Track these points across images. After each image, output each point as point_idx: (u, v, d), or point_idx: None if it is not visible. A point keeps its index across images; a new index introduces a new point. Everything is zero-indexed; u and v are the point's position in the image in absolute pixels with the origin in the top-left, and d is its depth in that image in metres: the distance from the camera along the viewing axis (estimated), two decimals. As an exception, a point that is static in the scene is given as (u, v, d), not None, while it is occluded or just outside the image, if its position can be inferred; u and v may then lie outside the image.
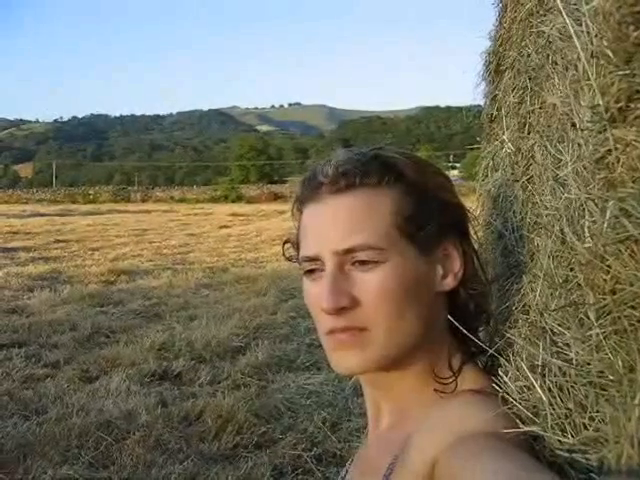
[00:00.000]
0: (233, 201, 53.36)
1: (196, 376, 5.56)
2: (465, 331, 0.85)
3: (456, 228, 0.90)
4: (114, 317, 7.88)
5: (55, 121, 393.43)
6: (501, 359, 0.83)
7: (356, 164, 0.87)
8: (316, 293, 0.87)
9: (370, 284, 0.83)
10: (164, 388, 5.27)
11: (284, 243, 0.99)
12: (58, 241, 17.36)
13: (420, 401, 0.87)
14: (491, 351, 0.83)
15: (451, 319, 0.87)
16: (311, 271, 0.89)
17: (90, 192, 62.35)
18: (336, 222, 0.86)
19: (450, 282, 0.88)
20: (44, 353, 6.28)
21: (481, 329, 0.96)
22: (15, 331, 7.08)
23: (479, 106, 1.48)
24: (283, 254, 1.00)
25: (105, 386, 5.24)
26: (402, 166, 0.87)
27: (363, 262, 0.84)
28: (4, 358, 6.07)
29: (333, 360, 0.88)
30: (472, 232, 0.96)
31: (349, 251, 0.84)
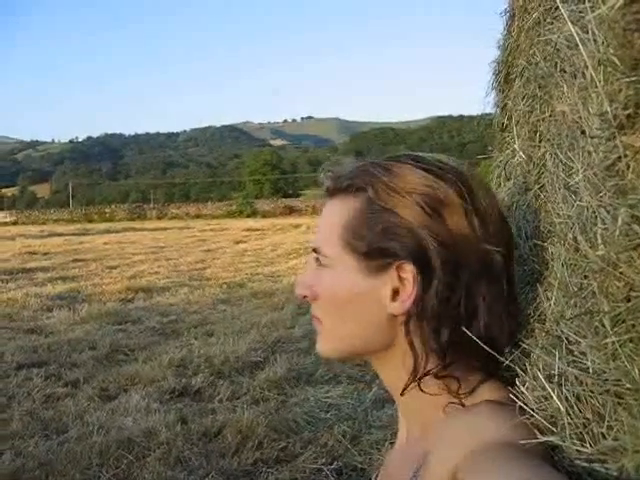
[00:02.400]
0: (248, 216, 53.54)
1: (215, 392, 5.56)
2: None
3: (415, 255, 0.82)
4: (132, 335, 7.91)
5: (71, 141, 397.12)
6: (518, 369, 0.83)
7: (338, 172, 0.92)
8: None
9: (321, 283, 0.91)
10: (184, 405, 5.28)
11: None
12: (76, 260, 17.47)
13: (437, 414, 0.87)
14: (507, 362, 0.83)
15: (466, 332, 0.85)
16: None
17: (106, 211, 62.80)
18: (319, 222, 0.95)
19: (397, 307, 0.84)
20: (64, 372, 6.31)
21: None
22: (35, 351, 7.12)
23: (491, 114, 1.48)
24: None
25: (125, 404, 5.25)
26: (365, 180, 0.86)
27: (318, 263, 0.92)
28: (25, 378, 6.10)
29: None
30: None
31: (314, 250, 0.93)
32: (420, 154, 0.89)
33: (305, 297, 0.94)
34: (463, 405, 0.85)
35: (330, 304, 0.90)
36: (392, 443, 1.04)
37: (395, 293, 0.84)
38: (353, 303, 0.87)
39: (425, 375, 0.84)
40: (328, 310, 0.90)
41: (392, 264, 0.84)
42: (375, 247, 0.84)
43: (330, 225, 0.90)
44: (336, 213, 0.90)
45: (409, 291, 0.83)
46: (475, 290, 0.82)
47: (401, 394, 0.88)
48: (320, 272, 0.91)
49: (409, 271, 0.83)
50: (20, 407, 5.28)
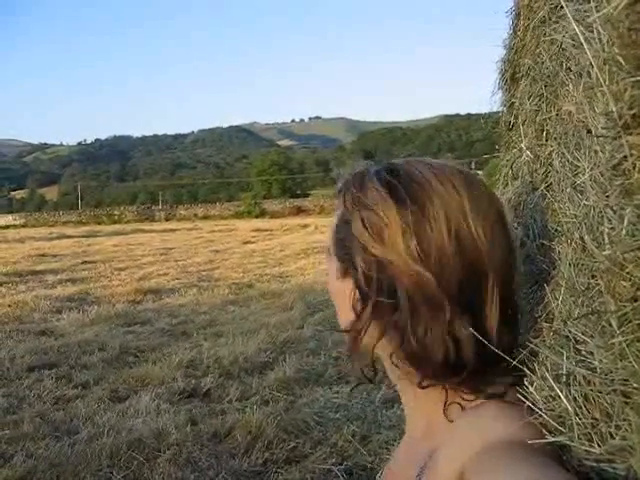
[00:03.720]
0: (256, 216, 53.55)
1: (225, 393, 5.57)
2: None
3: (354, 268, 0.85)
4: (142, 336, 7.93)
5: (79, 144, 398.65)
6: (526, 369, 0.83)
7: (341, 174, 0.94)
8: None
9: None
10: (193, 405, 5.29)
11: None
12: (85, 262, 17.54)
13: (445, 413, 0.86)
14: (514, 363, 0.82)
15: (474, 333, 0.85)
16: None
17: (115, 213, 62.94)
18: None
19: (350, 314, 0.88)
20: (74, 374, 6.33)
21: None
22: (45, 353, 7.15)
23: (498, 113, 1.48)
24: None
25: (135, 405, 5.27)
26: (345, 189, 0.89)
27: None
28: (35, 380, 6.13)
29: None
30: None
31: None
32: (413, 160, 0.89)
33: None
34: (461, 406, 0.85)
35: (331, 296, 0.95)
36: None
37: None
38: (338, 300, 0.92)
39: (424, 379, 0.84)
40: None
41: (350, 273, 0.87)
42: (340, 253, 0.89)
43: (330, 227, 0.94)
44: (334, 215, 0.93)
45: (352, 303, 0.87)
46: (417, 309, 0.80)
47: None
48: None
49: (353, 283, 0.86)
50: (31, 409, 5.30)
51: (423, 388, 0.84)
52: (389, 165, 0.88)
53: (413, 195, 0.81)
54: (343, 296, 0.88)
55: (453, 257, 0.80)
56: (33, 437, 4.64)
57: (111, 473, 4.03)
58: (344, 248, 0.87)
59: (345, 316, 0.89)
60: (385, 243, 0.81)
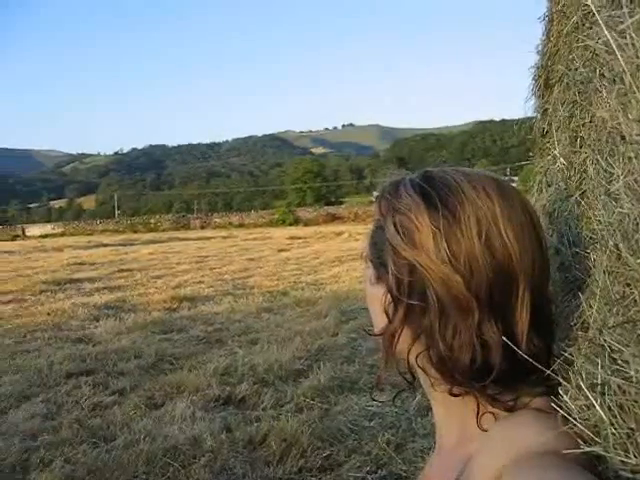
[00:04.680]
0: (291, 224, 53.67)
1: (259, 400, 5.58)
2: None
3: (385, 271, 0.87)
4: (177, 344, 8.00)
5: (116, 153, 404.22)
6: (560, 377, 0.82)
7: (380, 182, 0.96)
8: None
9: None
10: (228, 413, 5.31)
11: None
12: (122, 270, 17.75)
13: (481, 421, 0.86)
14: (548, 372, 0.82)
15: (506, 340, 0.85)
16: None
17: (151, 221, 63.58)
18: None
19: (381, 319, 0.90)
20: (111, 381, 6.41)
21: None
22: (83, 360, 7.25)
23: (532, 118, 1.47)
24: None
25: (170, 412, 5.31)
26: (381, 196, 0.92)
27: None
28: (73, 387, 6.22)
29: None
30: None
31: None
32: (447, 168, 0.90)
33: None
34: (494, 416, 0.84)
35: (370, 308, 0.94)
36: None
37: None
38: (373, 308, 0.92)
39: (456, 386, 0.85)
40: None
41: (382, 278, 0.88)
42: (374, 259, 0.90)
43: (366, 233, 0.95)
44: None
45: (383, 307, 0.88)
46: (446, 312, 0.81)
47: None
48: None
49: (385, 289, 0.87)
50: (69, 415, 5.38)
51: (454, 396, 0.84)
52: (424, 173, 0.89)
53: (445, 200, 0.83)
54: (377, 301, 0.88)
55: (483, 261, 0.80)
56: (71, 443, 4.71)
57: (147, 479, 4.06)
58: (378, 253, 0.88)
59: (379, 321, 0.90)
60: (416, 246, 0.82)
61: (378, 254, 0.88)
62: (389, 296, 0.86)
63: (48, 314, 10.49)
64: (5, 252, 30.15)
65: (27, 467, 4.32)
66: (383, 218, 0.88)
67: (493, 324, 0.80)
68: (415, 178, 0.88)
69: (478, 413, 0.85)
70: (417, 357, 0.85)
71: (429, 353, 0.83)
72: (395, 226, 0.85)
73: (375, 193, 0.95)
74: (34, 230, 63.09)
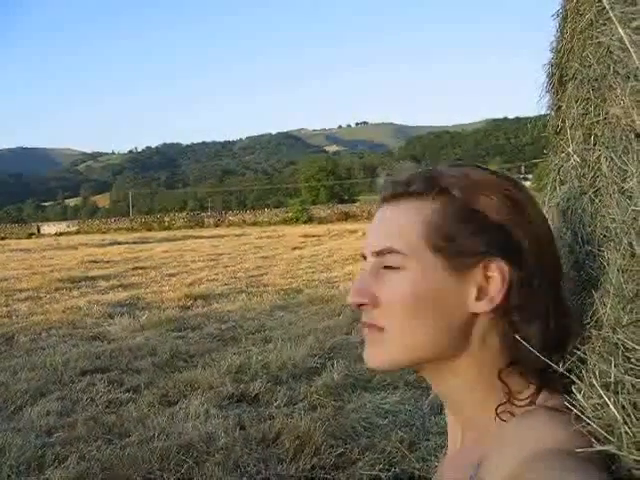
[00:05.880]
0: (304, 222, 53.75)
1: (273, 398, 5.59)
2: (534, 349, 0.83)
3: (504, 251, 0.85)
4: (192, 341, 8.04)
5: (130, 152, 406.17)
6: (573, 376, 0.82)
7: (405, 176, 0.91)
8: None
9: (390, 287, 0.88)
10: (242, 410, 5.32)
11: None
12: (136, 268, 17.87)
13: (492, 420, 0.86)
14: (561, 370, 0.81)
15: (518, 339, 0.85)
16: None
17: (165, 219, 63.88)
18: (376, 226, 0.94)
19: (483, 305, 0.85)
20: (126, 378, 6.44)
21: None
22: (98, 357, 7.30)
23: (546, 116, 1.47)
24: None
25: (184, 409, 5.32)
26: (448, 181, 0.88)
27: (388, 265, 0.89)
28: (88, 384, 6.26)
29: (363, 353, 0.93)
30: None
31: (379, 254, 0.90)
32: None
33: (362, 305, 0.90)
34: (511, 413, 0.84)
35: (400, 306, 0.86)
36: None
37: (480, 292, 0.85)
38: (434, 303, 0.86)
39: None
40: (395, 313, 0.87)
41: (479, 262, 0.86)
42: (463, 246, 0.86)
43: (404, 226, 0.89)
44: (411, 214, 0.89)
45: (498, 288, 0.85)
46: (545, 290, 0.86)
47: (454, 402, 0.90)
48: (386, 275, 0.89)
49: (497, 268, 0.85)
50: (84, 412, 5.41)
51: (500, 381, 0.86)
52: (461, 164, 0.93)
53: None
54: (454, 296, 0.86)
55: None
56: (86, 439, 4.73)
57: (162, 476, 4.08)
58: (472, 237, 0.85)
59: (447, 319, 0.86)
60: (528, 220, 0.87)
61: (473, 239, 0.85)
62: (508, 274, 0.85)
63: (63, 312, 10.57)
64: (21, 250, 30.45)
65: (42, 463, 4.34)
66: (476, 201, 0.86)
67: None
68: (445, 170, 0.91)
69: (492, 410, 0.85)
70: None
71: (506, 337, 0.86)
72: (505, 205, 0.86)
73: (419, 184, 0.89)
74: (49, 228, 63.59)
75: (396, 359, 0.88)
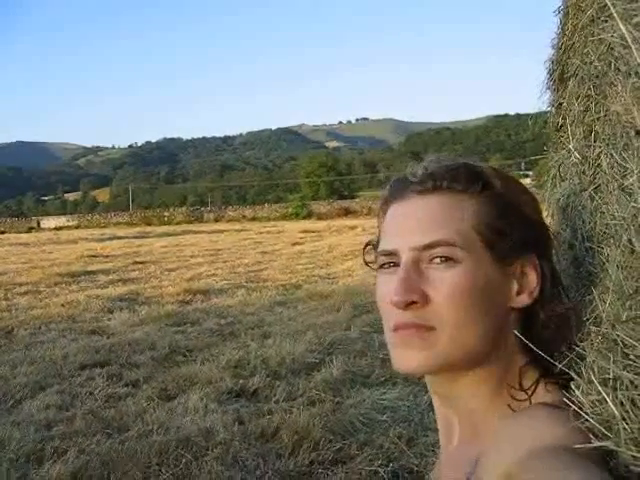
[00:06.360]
0: (304, 218, 53.67)
1: (272, 393, 5.59)
2: (533, 347, 0.84)
3: (536, 246, 0.88)
4: (191, 336, 8.02)
5: (130, 146, 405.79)
6: (572, 372, 0.82)
7: (446, 169, 0.89)
8: (388, 287, 0.87)
9: (444, 282, 0.84)
10: (240, 405, 5.32)
11: (365, 246, 1.01)
12: (136, 263, 17.87)
13: (491, 415, 0.86)
14: (560, 366, 0.82)
15: (519, 335, 0.85)
16: (386, 266, 0.91)
17: (165, 214, 63.77)
18: (418, 219, 0.88)
19: (524, 299, 0.87)
20: (125, 372, 6.44)
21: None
22: (97, 351, 7.29)
23: (547, 113, 1.46)
24: (363, 258, 1.00)
25: (183, 404, 5.33)
26: (489, 177, 0.89)
27: (442, 259, 0.85)
28: (87, 378, 6.26)
29: (395, 357, 0.87)
30: (554, 254, 0.95)
31: (427, 247, 0.85)
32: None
33: (412, 303, 0.84)
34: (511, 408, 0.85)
35: (456, 302, 0.83)
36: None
37: (519, 286, 0.88)
38: (484, 298, 0.85)
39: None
40: (451, 310, 0.83)
41: (518, 258, 0.87)
42: (510, 241, 0.86)
43: (454, 219, 0.86)
44: (460, 207, 0.87)
45: (535, 282, 0.87)
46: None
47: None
48: (435, 272, 0.85)
49: (532, 263, 0.88)
50: (83, 406, 5.42)
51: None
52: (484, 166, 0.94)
53: None
54: (501, 291, 0.86)
55: None
56: (85, 433, 4.74)
57: (160, 470, 4.08)
58: (515, 232, 0.86)
59: (494, 313, 0.86)
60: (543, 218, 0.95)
61: (515, 234, 0.86)
62: (541, 269, 0.88)
63: (63, 306, 10.57)
64: (20, 244, 30.44)
65: (42, 457, 4.35)
66: (515, 197, 0.90)
67: None
68: (482, 165, 0.93)
69: (495, 407, 0.86)
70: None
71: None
72: (535, 202, 0.93)
73: (463, 178, 0.89)
74: (49, 222, 63.54)
75: (447, 360, 0.85)
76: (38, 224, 62.35)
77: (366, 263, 0.99)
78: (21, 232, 51.59)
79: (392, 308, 0.86)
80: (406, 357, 0.86)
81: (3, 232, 52.28)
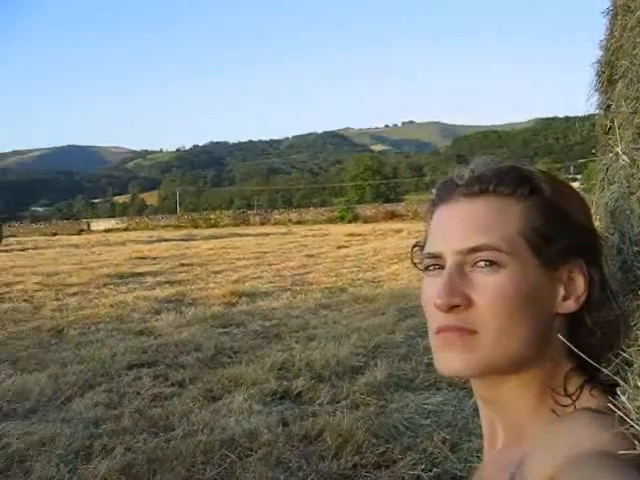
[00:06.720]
0: (349, 221, 53.64)
1: (316, 395, 5.59)
2: (579, 352, 0.83)
3: (585, 252, 0.87)
4: (236, 338, 8.08)
5: (177, 150, 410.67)
6: (618, 378, 0.81)
7: (493, 172, 0.89)
8: (432, 290, 0.88)
9: (488, 286, 0.83)
10: (285, 407, 5.34)
11: (413, 247, 1.01)
12: (182, 265, 18.06)
13: (536, 420, 0.86)
14: (606, 372, 0.81)
15: (564, 341, 0.84)
16: (431, 269, 0.91)
17: (212, 217, 64.28)
18: (464, 222, 0.88)
19: (571, 305, 0.86)
20: (171, 373, 6.52)
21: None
22: (144, 352, 7.40)
23: (595, 116, 1.45)
24: (411, 259, 0.99)
25: (228, 405, 5.37)
26: (538, 181, 0.88)
27: (486, 263, 0.84)
28: (135, 377, 6.35)
29: (437, 360, 0.88)
30: (603, 260, 0.92)
31: (473, 250, 0.85)
32: None
33: (455, 307, 0.84)
34: (555, 413, 0.84)
35: (500, 306, 0.83)
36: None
37: (566, 292, 0.87)
38: (529, 302, 0.84)
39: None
40: (494, 314, 0.83)
41: (565, 263, 0.86)
42: (555, 245, 0.86)
43: (501, 223, 0.86)
44: (507, 211, 0.87)
45: (582, 288, 0.86)
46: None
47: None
48: (479, 276, 0.85)
49: (580, 269, 0.86)
50: (130, 405, 5.50)
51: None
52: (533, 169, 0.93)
53: None
54: (547, 296, 0.86)
55: None
56: (132, 432, 4.81)
57: (204, 470, 4.12)
58: (563, 237, 0.86)
59: (539, 318, 0.85)
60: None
61: (563, 239, 0.86)
62: (589, 275, 0.87)
63: (111, 306, 10.76)
64: (71, 245, 31.15)
65: (90, 454, 4.43)
66: (564, 202, 0.89)
67: None
68: (531, 169, 0.91)
69: (540, 411, 0.85)
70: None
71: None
72: (585, 207, 0.93)
73: (511, 182, 0.88)
74: (98, 225, 64.75)
75: (489, 364, 0.85)
76: (88, 226, 63.57)
77: (414, 264, 0.98)
78: (72, 234, 52.66)
79: (436, 311, 0.86)
80: (448, 359, 0.86)
81: (55, 234, 53.43)
